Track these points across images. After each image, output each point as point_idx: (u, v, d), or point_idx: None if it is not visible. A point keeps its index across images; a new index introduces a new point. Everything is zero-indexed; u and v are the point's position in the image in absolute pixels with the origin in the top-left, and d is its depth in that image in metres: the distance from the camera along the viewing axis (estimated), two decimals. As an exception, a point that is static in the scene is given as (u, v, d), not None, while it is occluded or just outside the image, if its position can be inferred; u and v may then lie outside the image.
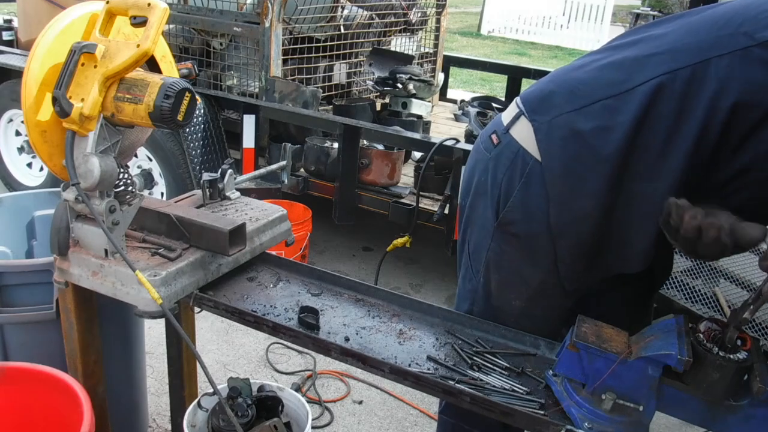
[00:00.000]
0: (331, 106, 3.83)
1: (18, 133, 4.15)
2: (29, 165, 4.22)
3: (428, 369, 1.30)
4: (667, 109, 1.21)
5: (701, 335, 1.14)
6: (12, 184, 4.21)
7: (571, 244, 1.33)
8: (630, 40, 1.33)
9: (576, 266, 1.35)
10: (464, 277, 1.56)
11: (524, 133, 1.34)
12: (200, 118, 3.42)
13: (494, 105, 4.42)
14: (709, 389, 1.10)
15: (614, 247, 1.31)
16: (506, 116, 1.42)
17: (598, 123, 1.26)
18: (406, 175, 3.53)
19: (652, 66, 1.23)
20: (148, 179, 3.65)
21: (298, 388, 2.59)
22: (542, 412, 1.19)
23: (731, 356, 1.10)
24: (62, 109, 1.28)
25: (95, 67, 1.29)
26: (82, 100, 1.28)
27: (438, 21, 4.82)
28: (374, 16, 4.09)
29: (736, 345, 1.11)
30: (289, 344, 2.86)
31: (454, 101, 5.03)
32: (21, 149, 4.17)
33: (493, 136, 1.42)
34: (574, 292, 1.41)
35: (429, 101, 4.03)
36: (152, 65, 1.45)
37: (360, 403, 2.63)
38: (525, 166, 1.33)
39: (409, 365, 1.30)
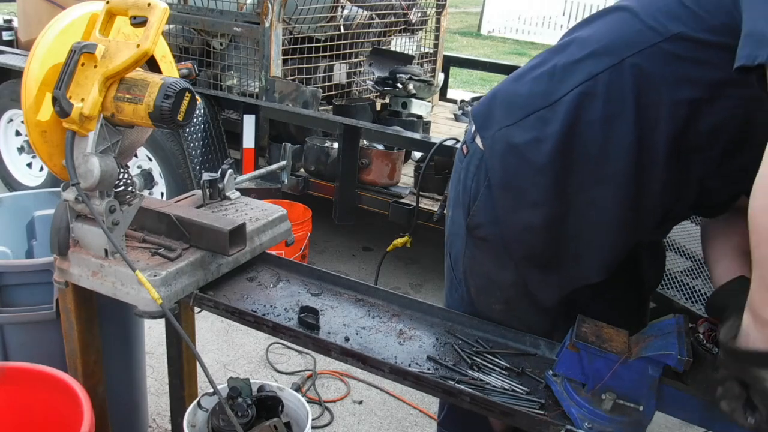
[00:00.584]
0: (331, 106, 3.83)
1: (18, 133, 4.15)
2: (29, 165, 4.22)
3: (428, 369, 1.30)
4: (595, 116, 1.21)
5: (701, 335, 1.14)
6: (12, 184, 4.21)
7: (523, 256, 1.33)
8: (564, 42, 1.32)
9: (534, 277, 1.35)
10: (450, 288, 1.58)
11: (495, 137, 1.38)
12: (200, 118, 3.42)
13: (494, 105, 4.41)
14: (710, 389, 1.10)
15: (571, 259, 1.31)
16: (471, 126, 1.45)
17: (531, 135, 1.26)
18: (406, 175, 3.53)
19: (576, 73, 1.23)
20: (148, 179, 3.65)
21: (298, 388, 2.59)
22: (542, 412, 1.19)
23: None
24: (62, 109, 1.28)
25: (95, 67, 1.29)
26: (82, 100, 1.28)
27: (438, 21, 4.82)
28: (374, 16, 4.09)
29: None
30: (289, 344, 2.86)
31: (454, 101, 5.03)
32: (21, 149, 4.17)
33: (464, 147, 1.45)
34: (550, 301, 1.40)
35: (429, 101, 4.03)
36: (152, 65, 1.45)
37: (360, 403, 2.63)
38: (485, 168, 1.36)
39: (409, 365, 1.30)
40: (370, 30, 4.12)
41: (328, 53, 3.80)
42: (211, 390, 1.40)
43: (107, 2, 1.32)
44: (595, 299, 1.39)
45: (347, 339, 1.37)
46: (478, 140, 1.38)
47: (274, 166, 2.00)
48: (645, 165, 1.20)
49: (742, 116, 1.14)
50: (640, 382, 1.13)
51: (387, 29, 4.27)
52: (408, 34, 4.55)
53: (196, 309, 1.54)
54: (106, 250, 1.41)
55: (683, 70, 1.13)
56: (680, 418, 1.17)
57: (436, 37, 4.85)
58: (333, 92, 3.99)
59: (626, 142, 1.19)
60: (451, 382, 1.24)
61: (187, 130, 3.34)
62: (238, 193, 1.77)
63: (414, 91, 3.81)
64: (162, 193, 3.61)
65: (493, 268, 1.40)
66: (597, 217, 1.26)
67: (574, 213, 1.27)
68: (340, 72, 4.01)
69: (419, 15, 4.51)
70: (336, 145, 3.33)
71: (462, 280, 1.50)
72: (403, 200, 3.25)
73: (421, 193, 3.10)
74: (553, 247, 1.30)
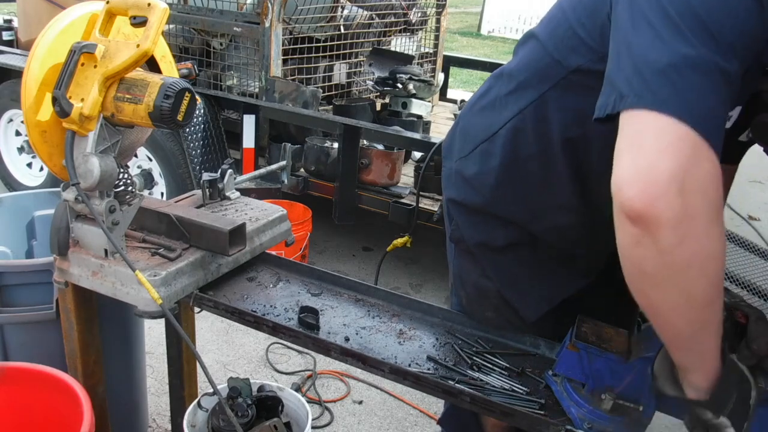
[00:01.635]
0: (331, 106, 3.83)
1: (18, 133, 4.15)
2: (29, 165, 4.22)
3: (428, 369, 1.30)
4: (529, 151, 1.23)
5: None
6: (12, 184, 4.21)
7: (499, 275, 1.36)
8: (499, 71, 1.33)
9: (513, 295, 1.37)
10: (452, 294, 1.60)
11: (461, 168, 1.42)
12: (200, 118, 3.42)
13: (494, 105, 4.42)
14: None
15: (548, 272, 1.33)
16: None
17: (477, 168, 1.31)
18: (406, 175, 3.53)
19: (509, 106, 1.25)
20: (148, 179, 3.65)
21: (298, 388, 2.59)
22: (542, 412, 1.19)
23: (731, 356, 1.09)
24: (62, 109, 1.27)
25: (95, 67, 1.29)
26: (82, 100, 1.28)
27: (438, 21, 4.82)
28: (374, 16, 4.09)
29: (732, 345, 1.11)
30: (289, 344, 2.86)
31: (454, 101, 5.03)
32: (21, 149, 4.17)
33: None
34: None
35: (429, 101, 4.03)
36: (152, 65, 1.45)
37: (360, 403, 2.63)
38: (462, 189, 1.41)
39: (409, 365, 1.30)
40: (370, 30, 4.12)
41: (328, 53, 3.80)
42: (211, 390, 1.40)
43: (107, 2, 1.32)
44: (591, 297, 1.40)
45: (347, 339, 1.37)
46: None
47: (274, 166, 2.00)
48: (591, 190, 1.21)
49: None
50: (640, 382, 1.13)
51: (387, 29, 4.26)
52: (408, 34, 4.55)
53: (196, 309, 1.54)
54: (106, 250, 1.41)
55: (596, 100, 1.13)
56: (680, 418, 1.16)
57: (436, 37, 4.85)
58: (333, 92, 3.99)
59: (564, 176, 1.21)
60: (451, 382, 1.24)
61: (187, 130, 3.34)
62: (238, 193, 1.77)
63: (414, 91, 3.81)
64: (162, 193, 3.61)
65: (478, 279, 1.42)
66: (560, 238, 1.28)
67: (539, 236, 1.29)
68: (340, 72, 4.01)
69: (419, 15, 4.51)
70: (336, 145, 3.33)
71: (455, 291, 1.53)
72: (403, 200, 3.25)
73: (421, 193, 3.10)
74: (526, 265, 1.33)
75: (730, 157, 1.25)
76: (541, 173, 1.23)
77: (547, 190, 1.24)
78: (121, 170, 1.39)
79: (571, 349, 1.17)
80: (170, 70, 1.49)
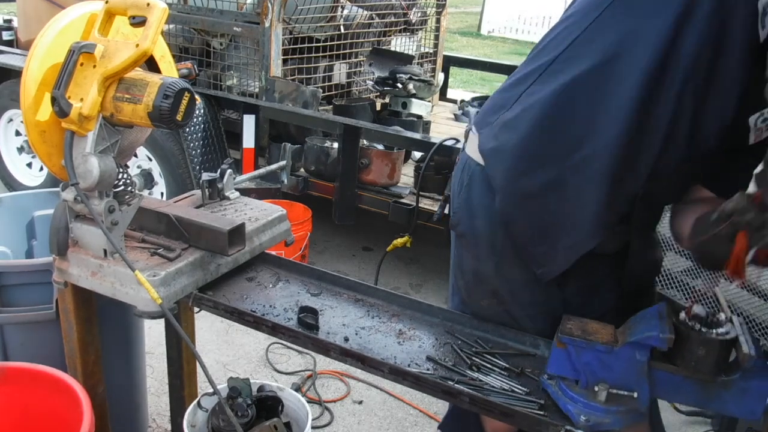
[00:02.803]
0: (331, 106, 3.83)
1: (18, 133, 4.15)
2: (29, 165, 4.23)
3: (428, 369, 1.30)
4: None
5: (683, 314, 1.14)
6: (12, 184, 4.22)
7: (523, 227, 1.35)
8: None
9: (537, 249, 1.35)
10: (451, 294, 1.61)
11: (471, 146, 1.44)
12: (200, 118, 3.42)
13: (494, 105, 4.41)
14: (698, 367, 1.12)
15: (569, 223, 1.31)
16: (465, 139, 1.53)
17: (520, 108, 1.33)
18: (406, 175, 3.53)
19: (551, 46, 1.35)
20: (147, 179, 3.65)
21: (298, 388, 2.59)
22: (542, 412, 1.19)
23: (714, 330, 1.11)
24: (61, 109, 1.27)
25: (94, 67, 1.29)
26: (81, 100, 1.28)
27: (438, 21, 4.81)
28: (374, 16, 4.09)
29: (718, 321, 1.12)
30: (289, 344, 2.86)
31: (454, 101, 5.03)
32: (21, 149, 4.18)
33: (458, 158, 1.52)
34: (542, 283, 1.39)
35: (429, 101, 4.03)
36: (151, 65, 1.45)
37: (360, 403, 2.63)
38: (469, 170, 1.43)
39: (409, 365, 1.30)
40: (370, 30, 4.12)
41: (328, 53, 3.80)
42: (211, 390, 1.40)
43: (106, 2, 1.32)
44: (594, 298, 1.40)
45: (347, 339, 1.37)
46: (467, 146, 1.46)
47: (274, 166, 2.00)
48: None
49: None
50: (629, 369, 1.15)
51: (387, 29, 4.26)
52: (408, 34, 4.55)
53: (196, 309, 1.54)
54: (105, 251, 1.41)
55: None
56: (676, 401, 1.18)
57: (436, 37, 4.85)
58: (333, 92, 3.99)
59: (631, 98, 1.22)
60: (451, 383, 1.24)
61: (187, 130, 3.34)
62: (237, 193, 1.77)
63: (414, 91, 3.81)
64: (162, 193, 3.61)
65: (475, 264, 1.45)
66: (587, 177, 1.27)
67: (568, 175, 1.28)
68: (340, 72, 4.01)
69: (419, 15, 4.50)
70: (336, 145, 3.33)
71: (455, 282, 1.54)
72: (403, 200, 3.25)
73: (421, 193, 3.09)
74: (552, 213, 1.31)
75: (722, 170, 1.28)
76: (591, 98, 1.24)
77: (596, 115, 1.24)
78: (121, 170, 1.39)
79: (559, 346, 1.18)
80: (170, 69, 1.49)
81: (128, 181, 1.42)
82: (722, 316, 1.13)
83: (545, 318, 1.39)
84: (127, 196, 1.42)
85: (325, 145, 3.44)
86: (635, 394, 1.15)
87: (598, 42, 1.24)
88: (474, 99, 4.75)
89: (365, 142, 3.34)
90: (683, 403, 1.19)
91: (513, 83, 1.39)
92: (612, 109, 1.22)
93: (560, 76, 1.27)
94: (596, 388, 1.15)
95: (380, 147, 3.41)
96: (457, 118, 4.53)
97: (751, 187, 1.08)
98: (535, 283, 1.38)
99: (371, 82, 4.02)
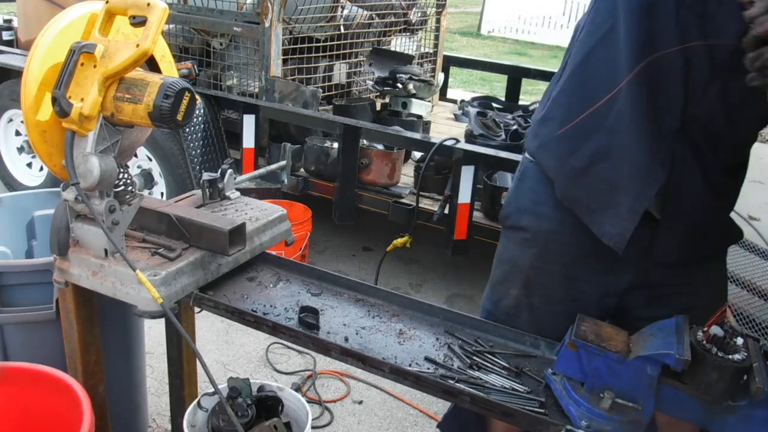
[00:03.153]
0: (331, 106, 3.83)
1: (18, 133, 4.15)
2: (29, 165, 4.22)
3: (428, 369, 1.30)
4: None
5: (701, 335, 1.14)
6: (12, 184, 4.21)
7: (586, 204, 1.38)
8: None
9: (604, 220, 1.36)
10: (483, 302, 1.65)
11: (527, 145, 1.53)
12: (200, 118, 3.42)
13: (494, 105, 4.42)
14: (708, 389, 1.10)
15: (624, 184, 1.32)
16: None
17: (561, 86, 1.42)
18: (406, 175, 3.53)
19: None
20: (148, 179, 3.65)
21: (298, 388, 2.59)
22: (542, 411, 1.19)
23: (730, 357, 1.10)
24: (62, 109, 1.27)
25: (95, 66, 1.29)
26: (82, 99, 1.28)
27: (438, 21, 4.82)
28: (374, 16, 4.09)
29: (735, 345, 1.11)
30: (289, 344, 2.86)
31: (454, 101, 5.03)
32: (21, 149, 4.17)
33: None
34: (579, 281, 1.43)
35: (429, 101, 4.03)
36: (152, 65, 1.45)
37: (360, 403, 2.63)
38: (522, 167, 1.53)
39: (409, 365, 1.30)
40: (370, 30, 4.12)
41: (328, 53, 3.80)
42: (211, 390, 1.40)
43: (106, 2, 1.32)
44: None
45: (347, 339, 1.37)
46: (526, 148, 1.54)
47: (274, 166, 2.00)
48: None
49: None
50: (638, 381, 1.13)
51: (387, 29, 4.26)
52: (408, 34, 4.55)
53: (196, 309, 1.54)
54: (106, 250, 1.41)
55: None
56: (678, 417, 1.17)
57: (436, 37, 4.85)
58: (333, 92, 3.99)
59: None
60: (451, 382, 1.24)
61: (187, 130, 3.34)
62: (238, 193, 1.77)
63: (414, 91, 3.81)
64: (162, 193, 3.61)
65: (517, 254, 1.51)
66: (623, 124, 1.28)
67: (609, 139, 1.31)
68: (340, 72, 4.01)
69: (419, 15, 4.50)
70: (336, 145, 3.33)
71: (492, 276, 1.61)
72: (403, 200, 3.25)
73: (421, 193, 3.10)
74: (607, 180, 1.34)
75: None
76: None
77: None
78: (121, 170, 1.39)
79: (570, 347, 1.17)
80: (170, 69, 1.49)
81: (129, 180, 1.42)
82: (740, 341, 1.12)
83: (566, 319, 1.37)
84: (127, 196, 1.42)
85: (325, 145, 3.45)
86: (639, 407, 1.14)
87: (597, 20, 1.31)
88: (474, 99, 4.75)
89: (365, 142, 3.34)
90: (684, 420, 1.18)
91: (545, 92, 1.50)
92: (621, 50, 1.25)
93: (576, 57, 1.36)
94: (602, 395, 1.14)
95: (380, 147, 3.41)
96: (457, 118, 4.54)
97: None
98: (571, 280, 1.43)
99: (371, 82, 4.02)
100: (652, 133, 1.26)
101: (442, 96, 5.11)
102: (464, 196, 2.93)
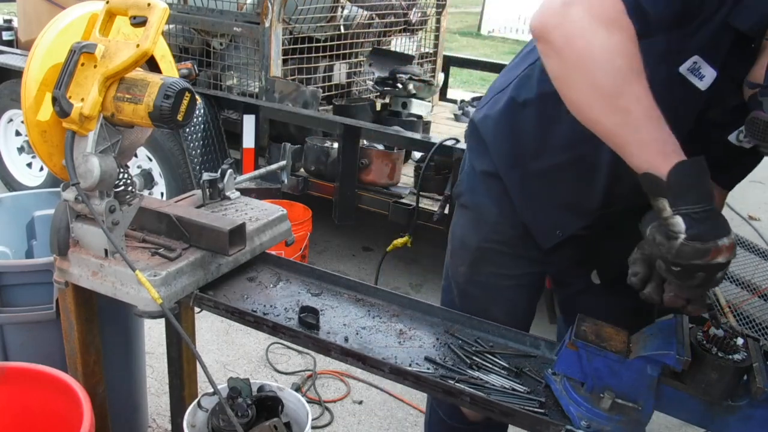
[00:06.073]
0: (331, 106, 3.83)
1: (18, 133, 4.15)
2: (29, 165, 4.22)
3: (428, 369, 1.30)
4: (528, 96, 1.41)
5: (701, 335, 1.14)
6: (12, 184, 4.21)
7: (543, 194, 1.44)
8: None
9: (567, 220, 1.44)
10: (443, 285, 1.74)
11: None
12: (200, 118, 3.42)
13: (494, 105, 4.41)
14: (708, 389, 1.10)
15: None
16: None
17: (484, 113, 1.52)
18: (406, 175, 3.53)
19: (525, 60, 1.46)
20: (148, 179, 3.65)
21: (298, 388, 2.59)
22: (542, 411, 1.19)
23: (730, 357, 1.10)
24: (62, 109, 1.27)
25: (95, 67, 1.29)
26: (82, 100, 1.28)
27: (438, 21, 4.82)
28: (374, 16, 4.09)
29: (735, 345, 1.11)
30: (289, 344, 2.86)
31: (454, 101, 5.03)
32: (21, 149, 4.17)
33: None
34: (527, 249, 1.50)
35: (429, 101, 4.03)
36: (152, 65, 1.45)
37: (360, 403, 2.63)
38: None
39: (409, 365, 1.30)
40: (370, 30, 4.12)
41: (328, 53, 3.80)
42: (211, 390, 1.40)
43: (107, 2, 1.32)
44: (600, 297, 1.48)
45: (347, 339, 1.37)
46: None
47: (274, 166, 2.00)
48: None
49: None
50: (638, 382, 1.14)
51: (387, 29, 4.26)
52: (408, 34, 4.55)
53: (196, 309, 1.54)
54: (106, 250, 1.41)
55: None
56: (679, 417, 1.17)
57: (436, 37, 4.85)
58: (333, 92, 3.99)
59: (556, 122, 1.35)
60: (451, 382, 1.24)
61: (187, 130, 3.34)
62: (238, 193, 1.77)
63: (414, 91, 3.81)
64: (162, 193, 3.61)
65: (467, 232, 1.58)
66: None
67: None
68: (340, 72, 4.01)
69: (419, 15, 4.50)
70: (336, 145, 3.33)
71: (446, 253, 1.68)
72: (403, 200, 3.25)
73: (421, 193, 3.10)
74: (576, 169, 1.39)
75: (724, 164, 1.30)
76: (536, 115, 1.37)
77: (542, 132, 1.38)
78: (121, 170, 1.39)
79: (570, 347, 1.17)
80: (170, 70, 1.49)
81: (129, 181, 1.42)
82: (740, 341, 1.12)
83: (515, 292, 1.54)
84: (127, 196, 1.42)
85: (325, 145, 3.45)
86: (640, 407, 1.14)
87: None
88: (474, 99, 4.75)
89: (365, 142, 3.34)
90: (685, 421, 1.18)
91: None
92: None
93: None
94: (602, 395, 1.14)
95: (380, 147, 3.41)
96: (457, 118, 4.54)
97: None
98: (517, 258, 1.52)
99: (371, 82, 4.02)
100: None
101: (442, 96, 5.11)
102: (464, 196, 2.93)
